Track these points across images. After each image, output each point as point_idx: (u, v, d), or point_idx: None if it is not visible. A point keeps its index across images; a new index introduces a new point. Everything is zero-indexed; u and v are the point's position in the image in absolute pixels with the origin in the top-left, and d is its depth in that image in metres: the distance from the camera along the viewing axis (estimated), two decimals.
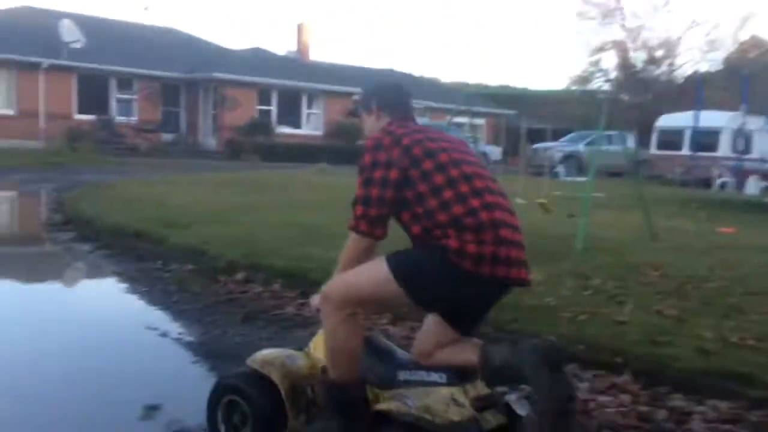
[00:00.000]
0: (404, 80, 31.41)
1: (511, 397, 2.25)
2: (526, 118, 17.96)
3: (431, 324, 2.45)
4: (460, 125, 26.14)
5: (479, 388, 2.35)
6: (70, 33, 21.52)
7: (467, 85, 38.76)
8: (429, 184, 2.28)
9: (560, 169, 19.99)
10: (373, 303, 2.53)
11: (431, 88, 33.99)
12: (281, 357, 2.56)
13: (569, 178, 17.61)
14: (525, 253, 2.34)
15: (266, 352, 2.64)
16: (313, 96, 25.50)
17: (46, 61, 21.00)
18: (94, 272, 6.47)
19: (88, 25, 22.42)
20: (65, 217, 8.97)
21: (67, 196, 10.97)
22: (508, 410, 2.27)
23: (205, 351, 3.96)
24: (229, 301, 5.00)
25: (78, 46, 21.58)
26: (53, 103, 21.41)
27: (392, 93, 2.63)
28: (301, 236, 6.98)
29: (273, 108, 24.48)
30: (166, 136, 24.16)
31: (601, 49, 36.16)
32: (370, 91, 2.65)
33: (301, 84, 24.80)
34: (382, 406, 2.40)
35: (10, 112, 20.90)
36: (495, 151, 23.89)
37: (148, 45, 24.60)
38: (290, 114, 25.29)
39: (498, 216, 2.28)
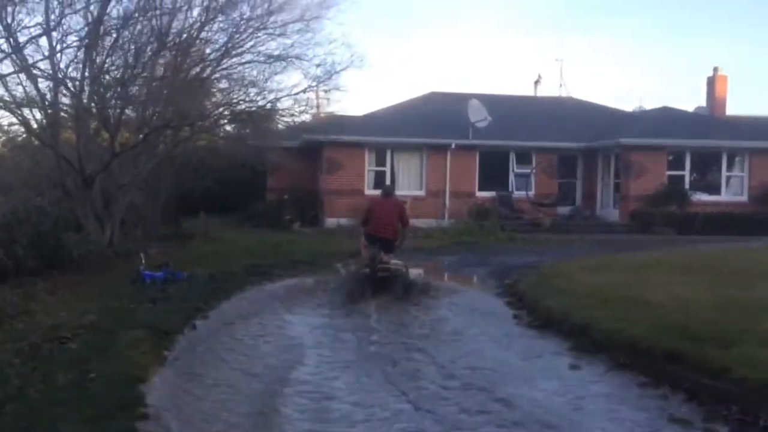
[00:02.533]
0: None
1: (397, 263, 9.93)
2: None
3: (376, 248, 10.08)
4: None
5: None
6: (476, 113, 21.87)
7: None
8: (369, 217, 10.25)
9: None
10: (365, 244, 10.23)
11: None
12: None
13: None
14: (389, 231, 10.07)
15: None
16: (733, 156, 21.90)
17: (454, 142, 21.62)
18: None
19: (491, 103, 22.65)
20: (533, 316, 7.83)
21: (513, 285, 10.03)
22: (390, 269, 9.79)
23: None
24: None
25: (484, 124, 21.79)
26: (457, 182, 21.88)
27: (383, 189, 11.54)
28: None
29: (686, 173, 21.55)
30: (562, 209, 22.98)
31: None
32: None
33: (719, 143, 21.47)
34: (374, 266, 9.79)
35: (421, 192, 21.89)
36: None
37: (545, 117, 24.00)
38: (706, 179, 22.00)
39: (378, 223, 10.07)
